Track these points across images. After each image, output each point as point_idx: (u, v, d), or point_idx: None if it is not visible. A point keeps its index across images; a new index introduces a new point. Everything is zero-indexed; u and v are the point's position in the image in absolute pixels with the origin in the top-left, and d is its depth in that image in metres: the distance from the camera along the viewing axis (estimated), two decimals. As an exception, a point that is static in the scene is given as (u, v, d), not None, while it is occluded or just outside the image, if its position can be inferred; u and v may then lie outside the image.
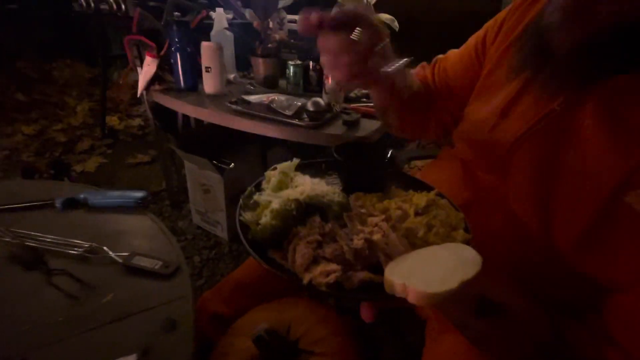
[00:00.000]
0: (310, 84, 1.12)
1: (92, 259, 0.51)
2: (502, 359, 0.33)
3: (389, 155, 0.53)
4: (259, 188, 0.42)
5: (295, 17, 1.36)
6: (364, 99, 1.04)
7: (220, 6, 1.20)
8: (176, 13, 1.07)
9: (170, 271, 0.48)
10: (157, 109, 1.29)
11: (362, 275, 0.32)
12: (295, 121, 0.81)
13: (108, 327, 0.41)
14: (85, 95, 2.98)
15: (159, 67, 1.07)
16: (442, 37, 0.64)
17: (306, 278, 0.31)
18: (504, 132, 0.40)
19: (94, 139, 2.26)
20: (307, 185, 0.37)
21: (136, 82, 3.09)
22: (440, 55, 0.61)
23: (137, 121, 2.61)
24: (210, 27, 1.18)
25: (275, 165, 0.42)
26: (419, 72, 0.62)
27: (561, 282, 0.37)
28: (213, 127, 1.45)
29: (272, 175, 0.41)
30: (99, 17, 1.69)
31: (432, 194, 0.42)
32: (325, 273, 0.31)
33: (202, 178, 1.24)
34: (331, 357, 0.58)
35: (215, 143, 1.34)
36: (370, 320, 0.31)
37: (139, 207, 0.63)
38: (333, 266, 0.32)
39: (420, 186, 0.45)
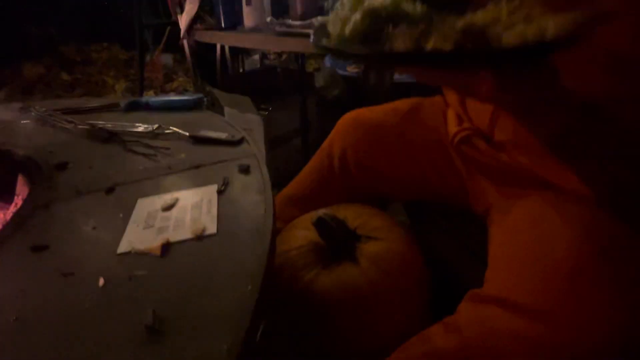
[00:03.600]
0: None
1: (160, 135, 0.53)
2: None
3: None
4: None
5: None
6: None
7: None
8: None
9: (237, 139, 0.50)
10: (197, 59, 1.33)
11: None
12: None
13: (188, 172, 0.43)
14: (122, 75, 3.12)
15: (200, 7, 1.09)
16: None
17: (427, 48, 0.30)
18: None
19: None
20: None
21: (167, 63, 3.09)
22: None
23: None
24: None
25: None
26: None
27: None
28: (251, 76, 1.47)
29: (345, 2, 0.38)
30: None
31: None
32: (438, 40, 0.30)
33: (242, 123, 1.26)
34: (391, 242, 0.57)
35: (253, 92, 1.36)
36: (489, 95, 0.30)
37: (196, 107, 0.65)
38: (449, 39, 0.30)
39: None
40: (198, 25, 1.10)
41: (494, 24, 0.31)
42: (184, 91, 2.61)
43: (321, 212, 0.57)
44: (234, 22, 1.09)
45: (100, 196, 0.38)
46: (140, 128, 0.55)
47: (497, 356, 0.31)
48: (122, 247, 0.30)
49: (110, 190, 0.39)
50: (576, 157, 0.35)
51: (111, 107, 0.66)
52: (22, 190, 0.45)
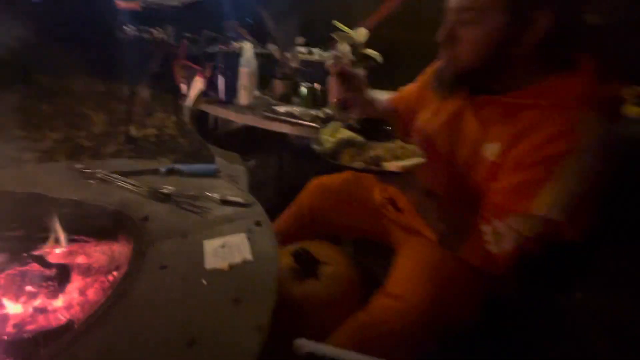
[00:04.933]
0: (315, 100, 1.51)
1: (198, 198, 0.84)
2: (434, 220, 0.70)
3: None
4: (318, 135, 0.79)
5: (304, 49, 1.75)
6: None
7: (240, 39, 1.59)
8: (221, 47, 1.44)
9: (250, 202, 0.83)
10: (195, 118, 1.65)
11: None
12: (311, 124, 1.18)
13: (221, 226, 0.75)
14: (101, 107, 3.27)
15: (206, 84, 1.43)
16: (420, 68, 0.98)
17: (355, 166, 0.69)
18: (434, 123, 0.78)
19: (118, 145, 2.56)
20: (347, 133, 0.75)
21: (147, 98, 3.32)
22: (402, 87, 1.01)
23: (151, 130, 2.93)
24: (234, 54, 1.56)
25: (328, 125, 0.81)
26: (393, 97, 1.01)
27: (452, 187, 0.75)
28: (237, 133, 1.81)
29: (327, 130, 0.78)
30: (138, 44, 2.05)
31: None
32: (359, 163, 0.69)
33: (229, 170, 1.58)
34: (341, 266, 0.92)
35: (238, 145, 1.69)
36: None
37: (214, 174, 0.97)
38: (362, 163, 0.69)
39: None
40: (202, 98, 1.44)
41: (387, 154, 0.70)
42: (173, 139, 2.83)
43: (297, 247, 0.91)
44: (231, 97, 1.44)
45: (179, 239, 0.69)
46: (184, 192, 0.86)
47: (380, 320, 0.67)
48: (208, 266, 0.61)
49: (184, 235, 0.70)
50: (426, 216, 0.74)
51: (154, 172, 0.96)
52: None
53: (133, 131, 2.85)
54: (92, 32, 3.37)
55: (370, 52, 1.70)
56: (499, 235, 0.65)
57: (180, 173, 0.97)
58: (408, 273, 0.74)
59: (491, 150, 0.67)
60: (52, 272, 0.59)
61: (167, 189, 0.86)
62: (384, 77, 1.77)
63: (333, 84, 0.84)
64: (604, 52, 0.63)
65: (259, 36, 1.69)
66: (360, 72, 0.85)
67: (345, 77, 0.82)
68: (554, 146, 0.59)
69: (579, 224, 0.61)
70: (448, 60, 0.70)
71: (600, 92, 0.60)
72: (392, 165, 0.65)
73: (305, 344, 0.40)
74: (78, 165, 0.96)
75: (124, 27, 1.96)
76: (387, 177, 0.68)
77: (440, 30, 0.68)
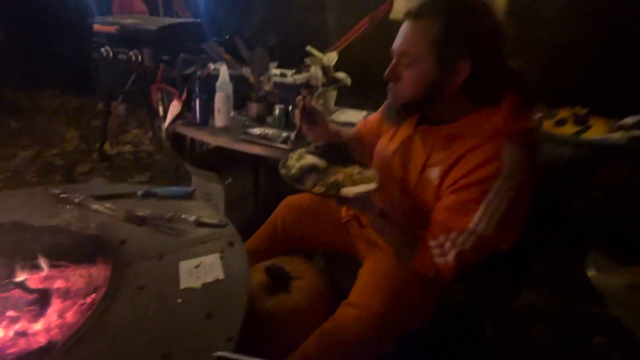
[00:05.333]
0: (288, 121, 1.59)
1: (173, 220, 0.90)
2: (389, 237, 0.79)
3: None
4: (286, 159, 0.85)
5: (278, 71, 1.85)
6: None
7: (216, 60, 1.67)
8: (198, 73, 1.51)
9: (223, 224, 0.89)
10: (172, 138, 1.69)
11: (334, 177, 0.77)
12: (283, 146, 1.26)
13: (196, 247, 0.80)
14: (73, 123, 3.22)
15: (182, 106, 1.49)
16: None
17: (316, 192, 0.75)
18: (389, 148, 0.88)
19: (92, 163, 2.54)
20: (311, 159, 0.81)
21: (122, 114, 3.33)
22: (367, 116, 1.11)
23: (127, 147, 2.91)
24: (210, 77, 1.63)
25: (296, 150, 0.87)
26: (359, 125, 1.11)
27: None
28: (213, 152, 1.86)
29: (294, 155, 0.84)
30: (115, 64, 2.08)
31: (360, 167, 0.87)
32: (320, 188, 0.75)
33: (206, 189, 1.63)
34: (311, 280, 0.99)
35: (215, 164, 1.74)
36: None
37: (189, 196, 1.03)
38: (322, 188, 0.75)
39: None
40: (179, 121, 1.49)
41: (345, 180, 0.78)
42: (149, 156, 2.81)
43: (270, 263, 0.97)
44: (207, 119, 1.50)
45: (156, 260, 0.74)
46: (161, 214, 0.91)
47: (342, 327, 0.74)
48: (182, 285, 0.67)
49: (160, 257, 0.75)
50: (383, 234, 0.82)
51: (131, 195, 1.00)
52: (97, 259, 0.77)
53: (107, 148, 2.83)
54: (65, 47, 3.35)
55: (339, 75, 1.82)
56: (444, 248, 0.74)
57: (156, 196, 1.01)
58: (368, 283, 0.82)
59: (434, 174, 0.78)
60: (33, 297, 0.63)
61: (144, 212, 0.91)
62: (356, 95, 1.90)
63: (297, 116, 0.93)
64: (522, 89, 0.75)
65: (237, 55, 1.77)
66: (320, 107, 0.95)
67: (306, 111, 0.91)
68: (483, 171, 0.70)
69: (506, 236, 0.72)
70: (393, 94, 0.80)
71: (518, 124, 0.72)
72: (349, 192, 0.73)
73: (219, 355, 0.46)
74: (55, 191, 0.99)
75: (101, 48, 1.99)
76: (344, 202, 0.76)
77: (387, 69, 0.78)
